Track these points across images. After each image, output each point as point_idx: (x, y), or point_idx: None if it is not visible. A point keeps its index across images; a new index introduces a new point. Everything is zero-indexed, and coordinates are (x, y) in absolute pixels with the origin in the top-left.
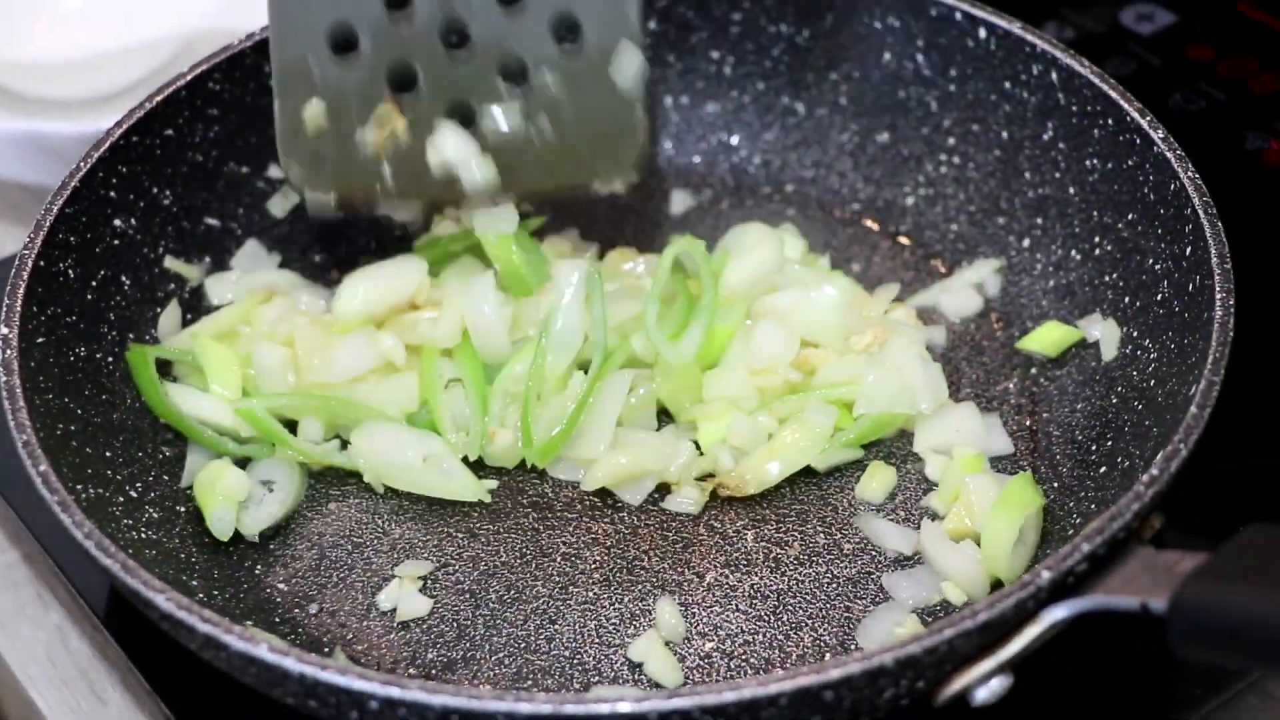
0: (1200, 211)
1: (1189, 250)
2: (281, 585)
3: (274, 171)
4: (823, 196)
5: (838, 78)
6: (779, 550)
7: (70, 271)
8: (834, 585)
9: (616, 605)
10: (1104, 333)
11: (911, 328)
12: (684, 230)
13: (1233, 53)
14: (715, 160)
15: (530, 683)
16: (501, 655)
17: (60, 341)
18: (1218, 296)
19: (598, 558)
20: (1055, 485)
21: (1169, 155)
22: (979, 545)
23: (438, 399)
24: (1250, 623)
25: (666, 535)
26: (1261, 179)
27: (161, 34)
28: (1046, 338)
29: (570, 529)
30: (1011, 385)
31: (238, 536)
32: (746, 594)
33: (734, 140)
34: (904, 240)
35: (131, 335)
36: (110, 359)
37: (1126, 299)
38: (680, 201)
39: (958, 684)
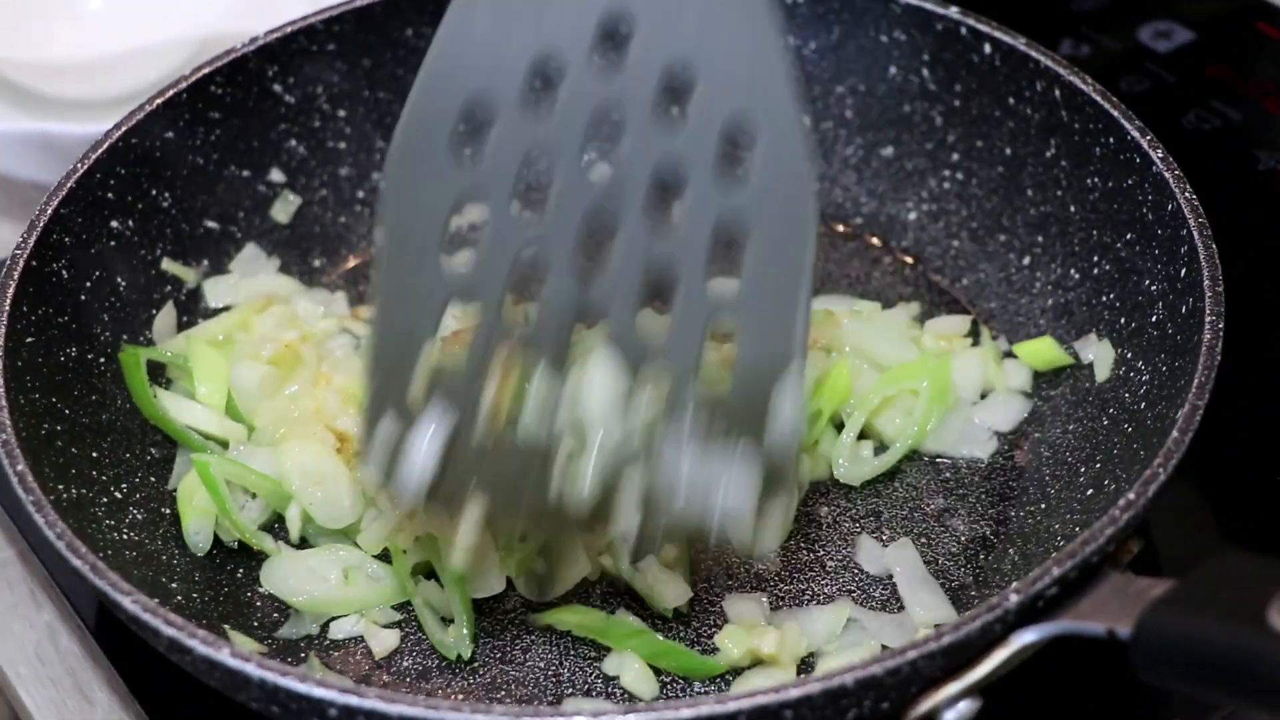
0: (1195, 233)
1: (1184, 272)
2: (262, 590)
3: (275, 175)
4: (825, 210)
5: (843, 91)
6: (760, 565)
7: (64, 272)
8: (815, 601)
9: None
10: (1098, 354)
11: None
12: None
13: (1251, 72)
14: None
15: (504, 693)
16: (477, 665)
17: (50, 341)
18: (1207, 320)
19: None
20: (1042, 506)
21: (1167, 175)
22: None
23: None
24: (1210, 651)
25: None
26: (1273, 201)
27: (179, 36)
28: (1037, 352)
29: None
30: None
31: (221, 540)
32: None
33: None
34: (906, 256)
35: (125, 336)
36: (103, 360)
37: (1122, 320)
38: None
39: (924, 706)
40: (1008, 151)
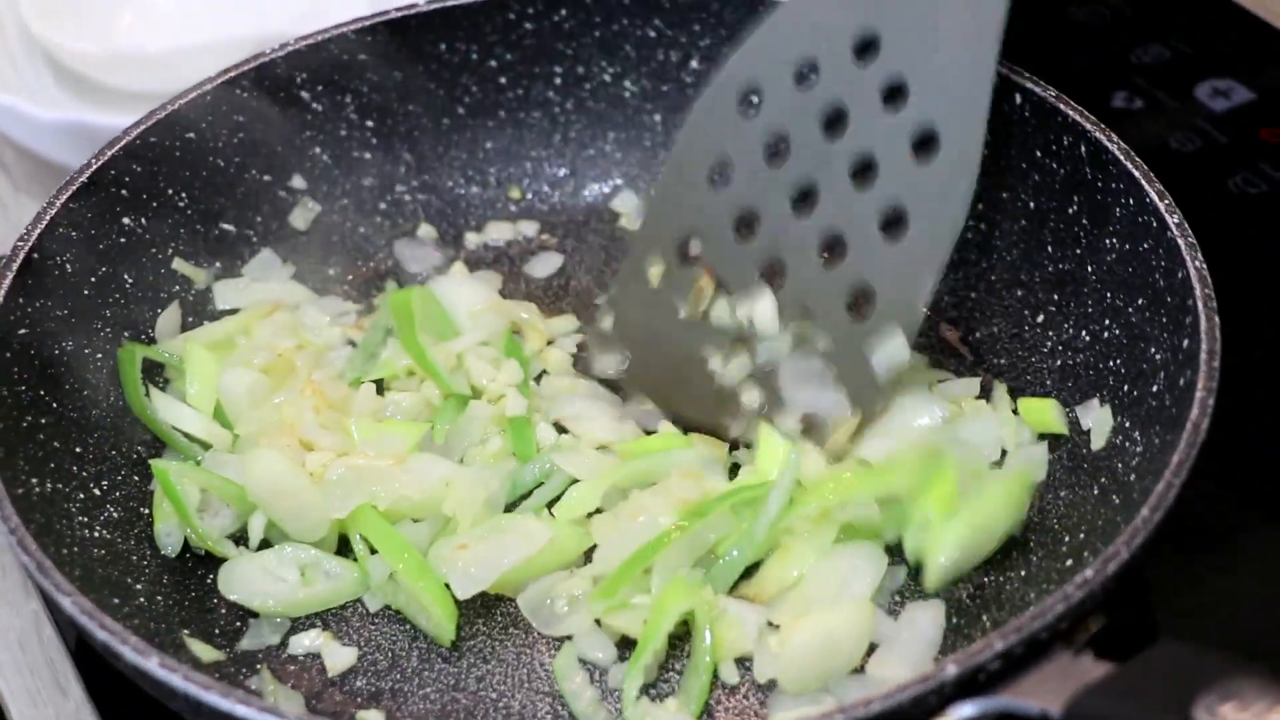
0: (1200, 304)
1: (1185, 343)
2: (219, 583)
3: (297, 182)
4: None
5: None
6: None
7: (68, 265)
8: None
9: (553, 651)
10: (1098, 420)
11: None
12: None
13: None
14: None
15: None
16: (429, 690)
17: (46, 334)
18: (1197, 395)
19: None
20: (1022, 574)
21: (1180, 241)
22: None
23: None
24: None
25: None
26: None
27: (243, 33)
28: (1038, 414)
29: None
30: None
31: (191, 545)
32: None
33: None
34: None
35: (127, 334)
36: (100, 355)
37: (1125, 387)
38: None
39: None
40: (1031, 205)
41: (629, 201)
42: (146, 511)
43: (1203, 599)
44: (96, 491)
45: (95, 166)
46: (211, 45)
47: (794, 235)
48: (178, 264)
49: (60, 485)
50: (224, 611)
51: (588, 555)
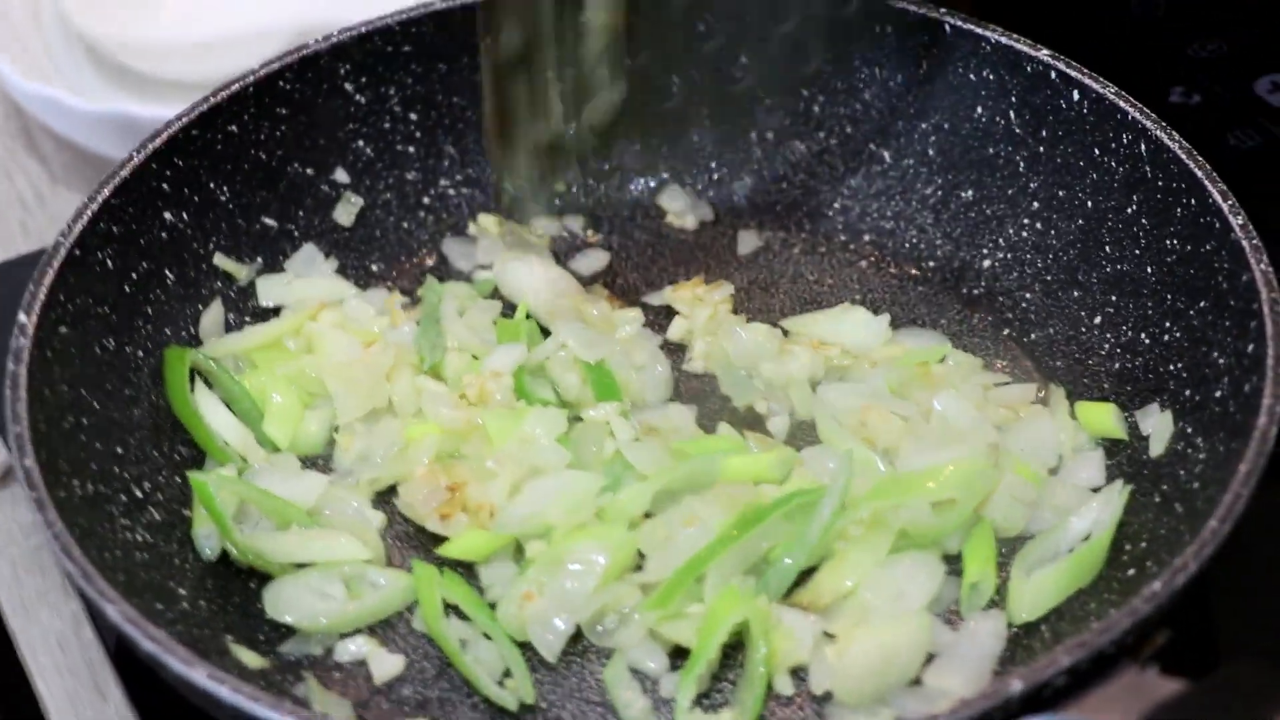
0: (1266, 307)
1: (1251, 348)
2: (264, 604)
3: (340, 176)
4: (899, 249)
5: (928, 128)
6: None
7: (109, 262)
8: None
9: (603, 660)
10: (1158, 426)
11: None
12: (750, 271)
13: None
14: (794, 202)
15: None
16: (478, 699)
17: (87, 332)
18: (1264, 403)
19: None
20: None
21: (1245, 244)
22: None
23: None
24: None
25: None
26: None
27: (284, 22)
28: (1096, 418)
29: None
30: None
31: None
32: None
33: (815, 182)
34: (975, 305)
35: (168, 331)
36: (141, 353)
37: (1187, 391)
38: (748, 242)
39: None
40: (1089, 204)
41: (675, 195)
42: (188, 513)
43: (1263, 612)
44: (138, 493)
45: (137, 161)
46: (254, 33)
47: None
48: (219, 260)
49: (102, 487)
50: (267, 616)
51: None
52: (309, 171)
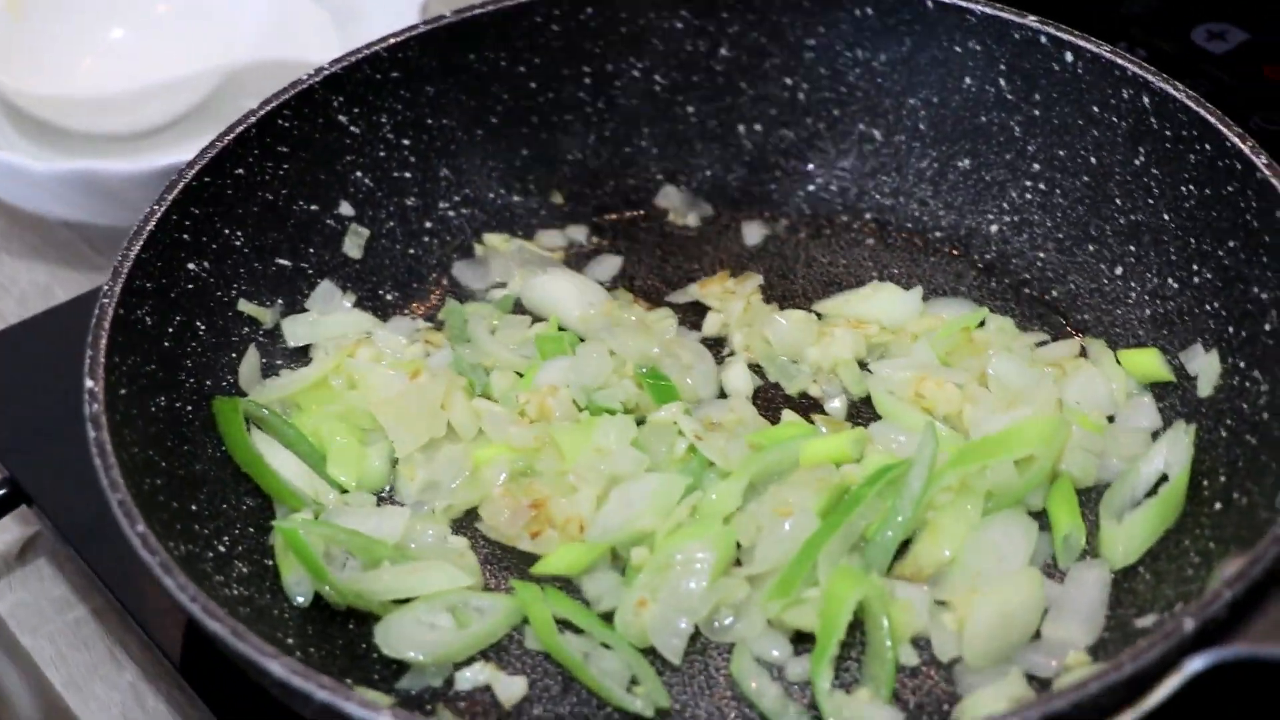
0: None
1: None
2: (378, 641)
3: (344, 209)
4: (903, 224)
5: (916, 103)
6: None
7: (148, 319)
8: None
9: (725, 655)
10: (1205, 366)
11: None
12: (763, 260)
13: None
14: (790, 189)
15: None
16: (610, 710)
17: (141, 391)
18: None
19: None
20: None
21: (1274, 181)
22: None
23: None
24: None
25: None
26: None
27: (206, 66)
28: (1140, 363)
29: None
30: None
31: None
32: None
33: (810, 168)
34: (990, 268)
35: (209, 382)
36: (190, 408)
37: (1230, 329)
38: (754, 232)
39: None
40: (1093, 160)
41: (671, 196)
42: (270, 564)
43: None
44: (222, 549)
45: (159, 213)
46: (179, 81)
47: None
48: (243, 305)
49: (192, 546)
50: (376, 655)
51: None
52: (314, 207)
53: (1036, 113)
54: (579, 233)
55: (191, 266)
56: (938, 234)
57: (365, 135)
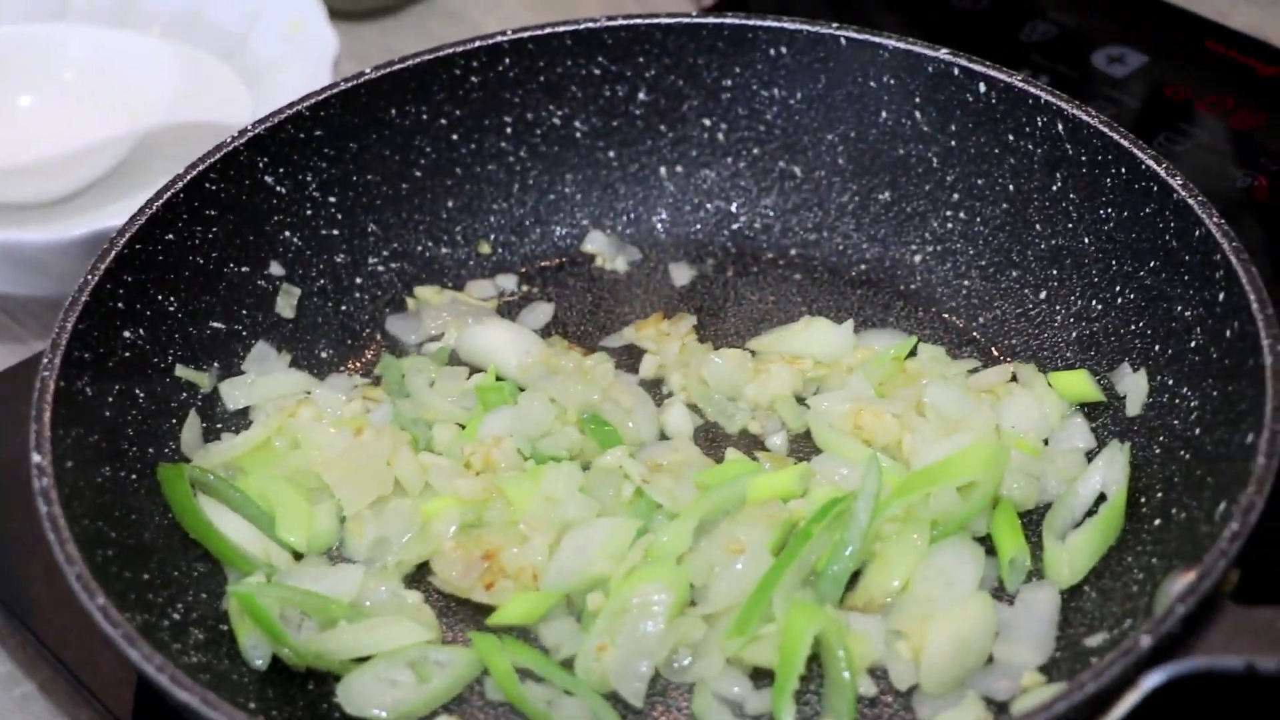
0: (1232, 258)
1: (1221, 296)
2: (337, 699)
3: (274, 269)
4: (828, 259)
5: (834, 139)
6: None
7: (88, 389)
8: None
9: (686, 695)
10: (1132, 387)
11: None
12: (693, 300)
13: (1208, 91)
14: (715, 229)
15: None
16: None
17: (86, 463)
18: (1264, 343)
19: None
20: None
21: (1190, 201)
22: None
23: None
24: None
25: None
26: (1258, 215)
27: (117, 131)
28: (1070, 385)
29: None
30: None
31: None
32: None
33: (733, 207)
34: (916, 298)
35: (151, 450)
36: (134, 476)
37: (1156, 347)
38: (682, 273)
39: None
40: (1010, 188)
41: (598, 240)
42: (225, 629)
43: None
44: (176, 616)
45: (93, 282)
46: (92, 146)
47: None
48: (180, 370)
49: (148, 615)
50: (339, 715)
51: None
52: (245, 269)
53: (953, 143)
54: (509, 281)
55: (127, 334)
56: (863, 266)
57: (291, 194)
